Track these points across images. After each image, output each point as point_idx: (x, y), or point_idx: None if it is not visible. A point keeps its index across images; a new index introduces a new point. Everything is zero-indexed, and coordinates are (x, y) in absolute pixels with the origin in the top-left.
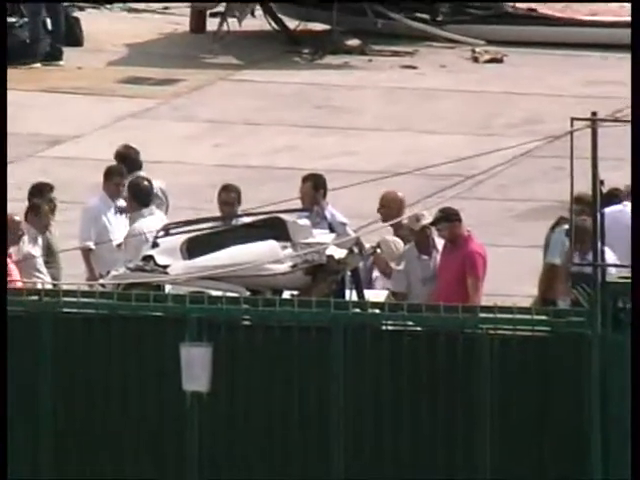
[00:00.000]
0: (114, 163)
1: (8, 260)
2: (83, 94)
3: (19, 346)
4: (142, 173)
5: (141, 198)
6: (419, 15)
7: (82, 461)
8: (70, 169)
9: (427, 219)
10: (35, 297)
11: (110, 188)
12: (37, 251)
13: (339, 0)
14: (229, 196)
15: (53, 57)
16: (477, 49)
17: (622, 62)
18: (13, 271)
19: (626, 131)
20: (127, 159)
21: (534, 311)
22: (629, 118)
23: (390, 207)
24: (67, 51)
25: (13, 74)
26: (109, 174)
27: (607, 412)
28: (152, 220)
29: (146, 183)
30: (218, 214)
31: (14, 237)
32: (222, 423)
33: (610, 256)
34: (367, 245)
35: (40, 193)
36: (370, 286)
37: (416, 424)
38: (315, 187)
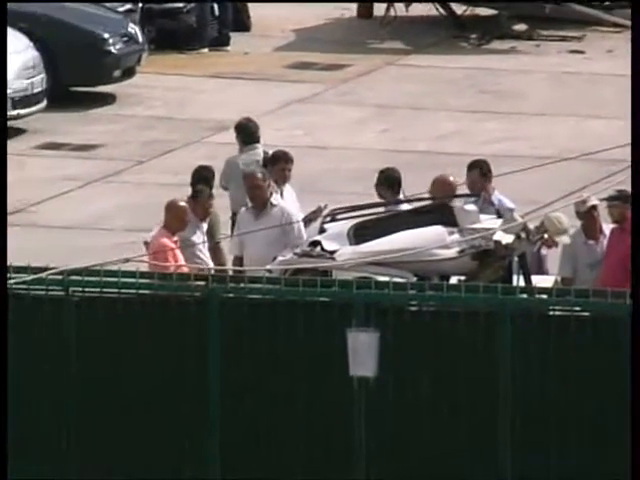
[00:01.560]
0: (280, 148)
1: (174, 245)
2: (250, 79)
3: (187, 331)
4: (259, 146)
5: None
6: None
7: (247, 445)
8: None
9: (594, 202)
10: (202, 282)
11: (277, 173)
12: (199, 237)
13: None
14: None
15: (220, 42)
16: None
17: None
18: (179, 256)
19: None
20: (245, 130)
21: None
22: None
23: (436, 190)
24: (234, 36)
25: (180, 59)
26: (275, 159)
27: None
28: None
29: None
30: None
31: (182, 224)
32: (389, 408)
33: None
34: (532, 226)
35: (204, 180)
36: (540, 267)
37: (582, 410)
38: (482, 173)
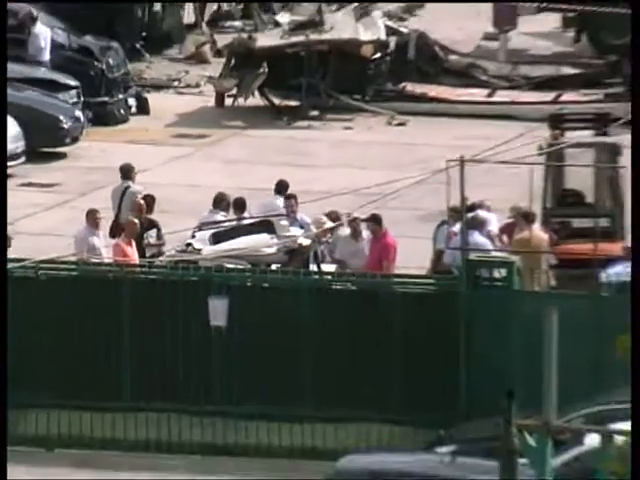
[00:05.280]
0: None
1: (125, 246)
2: (150, 144)
3: (101, 305)
4: (127, 183)
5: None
6: (355, 96)
7: (135, 380)
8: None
9: (355, 216)
10: (117, 268)
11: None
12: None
13: (306, 89)
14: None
15: (124, 120)
16: (390, 117)
17: (483, 126)
18: (129, 253)
19: (482, 168)
20: (121, 169)
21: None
22: (483, 160)
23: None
24: (139, 117)
25: (108, 132)
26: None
27: (471, 351)
28: None
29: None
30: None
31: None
32: (235, 348)
33: (480, 240)
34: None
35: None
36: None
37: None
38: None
